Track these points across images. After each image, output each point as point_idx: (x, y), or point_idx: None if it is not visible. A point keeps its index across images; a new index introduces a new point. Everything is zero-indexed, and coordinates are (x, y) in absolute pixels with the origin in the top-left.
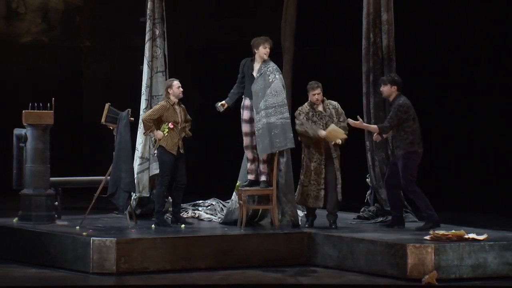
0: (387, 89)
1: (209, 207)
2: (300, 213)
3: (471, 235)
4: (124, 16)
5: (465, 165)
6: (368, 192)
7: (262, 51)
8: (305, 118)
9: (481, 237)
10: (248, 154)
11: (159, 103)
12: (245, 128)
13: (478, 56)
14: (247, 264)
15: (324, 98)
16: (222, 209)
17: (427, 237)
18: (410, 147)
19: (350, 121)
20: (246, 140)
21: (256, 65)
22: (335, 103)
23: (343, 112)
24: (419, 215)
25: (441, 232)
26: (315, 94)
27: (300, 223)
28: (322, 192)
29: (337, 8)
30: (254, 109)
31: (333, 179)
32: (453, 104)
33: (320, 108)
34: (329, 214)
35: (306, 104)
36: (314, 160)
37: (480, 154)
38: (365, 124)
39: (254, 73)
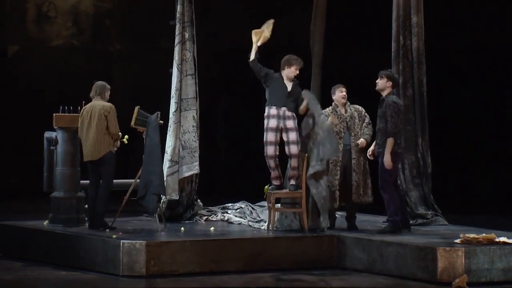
0: (382, 83)
1: (238, 210)
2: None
3: (502, 239)
4: (154, 19)
5: (497, 167)
6: None
7: (293, 71)
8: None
9: (511, 241)
10: (271, 163)
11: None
12: (270, 137)
13: (509, 59)
14: (277, 267)
15: (348, 102)
16: (251, 212)
17: (457, 241)
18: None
19: (369, 155)
20: (270, 149)
21: (286, 80)
22: (360, 107)
23: (368, 116)
24: (449, 218)
25: (472, 235)
26: (342, 92)
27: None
28: (337, 193)
29: (366, 11)
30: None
31: (349, 180)
32: (484, 106)
33: (342, 110)
34: (346, 217)
35: (329, 108)
36: (330, 161)
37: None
38: (387, 154)
39: (287, 84)
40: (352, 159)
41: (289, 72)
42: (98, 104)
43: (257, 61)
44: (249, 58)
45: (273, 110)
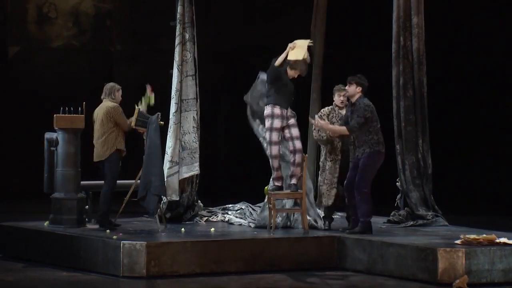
0: (352, 89)
1: (238, 211)
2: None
3: (502, 239)
4: (154, 20)
5: (498, 168)
6: (398, 196)
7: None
8: (325, 119)
9: None
10: (274, 163)
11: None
12: (274, 137)
13: (509, 60)
14: (277, 268)
15: (348, 103)
16: (251, 213)
17: (458, 241)
18: (376, 146)
19: (312, 120)
20: (275, 149)
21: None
22: None
23: None
24: (450, 219)
25: (472, 236)
26: (341, 96)
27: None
28: (334, 191)
29: (366, 12)
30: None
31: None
32: (484, 107)
33: (343, 112)
34: (346, 216)
35: (328, 107)
36: (330, 160)
37: None
38: (331, 125)
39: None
40: (350, 160)
41: (292, 74)
42: (103, 106)
43: (278, 68)
44: (274, 61)
45: (277, 110)
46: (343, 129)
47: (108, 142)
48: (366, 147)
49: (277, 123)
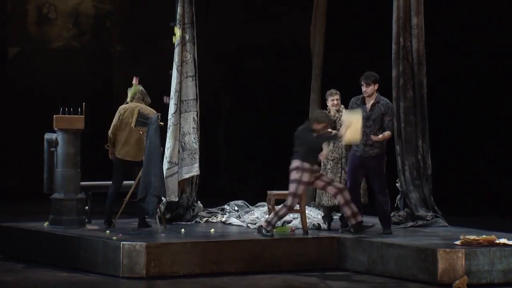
0: (371, 89)
1: (238, 211)
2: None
3: (502, 240)
4: (154, 21)
5: (498, 168)
6: (398, 196)
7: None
8: None
9: None
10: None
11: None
12: (301, 190)
13: (509, 60)
14: (277, 269)
15: (342, 105)
16: (251, 214)
17: (458, 242)
18: (383, 148)
19: (373, 137)
20: (301, 189)
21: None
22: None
23: None
24: (449, 220)
25: (472, 237)
26: (333, 100)
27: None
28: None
29: (367, 13)
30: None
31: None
32: (484, 107)
33: (337, 115)
34: (340, 216)
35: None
36: (331, 159)
37: None
38: (381, 136)
39: None
40: (342, 157)
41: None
42: (141, 107)
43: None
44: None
45: (307, 165)
46: (389, 134)
47: (142, 143)
48: (376, 148)
49: (306, 177)
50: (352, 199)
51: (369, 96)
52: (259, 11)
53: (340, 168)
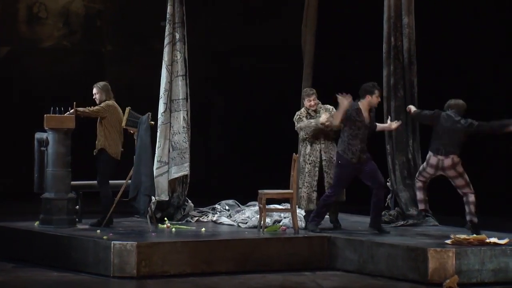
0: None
1: (228, 210)
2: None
3: (493, 239)
4: (145, 20)
5: (488, 168)
6: (389, 196)
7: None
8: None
9: (502, 242)
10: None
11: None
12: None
13: (501, 60)
14: (268, 268)
15: (319, 102)
16: (242, 213)
17: (448, 241)
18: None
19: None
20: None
21: None
22: (330, 107)
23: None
24: (440, 219)
25: (463, 236)
26: (310, 101)
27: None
28: (315, 194)
29: (358, 12)
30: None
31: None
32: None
33: (316, 114)
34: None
35: (302, 109)
36: (309, 163)
37: (504, 157)
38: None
39: None
40: (322, 160)
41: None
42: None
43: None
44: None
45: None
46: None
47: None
48: (368, 152)
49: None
50: (335, 203)
51: (374, 106)
52: (252, 11)
53: (317, 172)
